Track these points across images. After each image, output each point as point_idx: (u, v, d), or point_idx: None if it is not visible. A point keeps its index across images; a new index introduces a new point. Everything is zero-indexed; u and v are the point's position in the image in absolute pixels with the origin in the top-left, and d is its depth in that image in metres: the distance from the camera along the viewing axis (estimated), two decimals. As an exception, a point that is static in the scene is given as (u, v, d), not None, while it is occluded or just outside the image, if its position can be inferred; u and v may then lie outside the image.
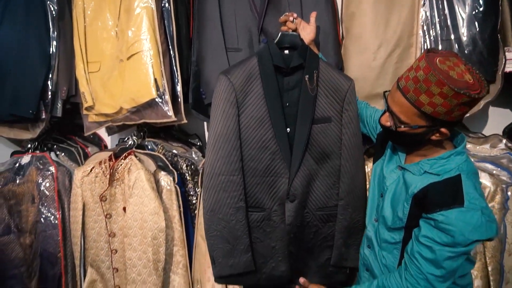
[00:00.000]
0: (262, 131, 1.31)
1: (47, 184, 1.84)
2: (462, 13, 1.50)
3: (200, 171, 1.72)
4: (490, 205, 1.44)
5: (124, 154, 1.69)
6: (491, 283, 1.48)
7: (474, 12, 1.48)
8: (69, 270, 1.85)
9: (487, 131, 1.78)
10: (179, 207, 1.69)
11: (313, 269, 1.40)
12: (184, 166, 1.80)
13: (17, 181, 1.86)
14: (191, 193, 1.79)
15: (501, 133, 1.68)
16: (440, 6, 1.52)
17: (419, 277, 1.05)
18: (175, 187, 1.69)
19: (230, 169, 1.29)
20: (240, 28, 1.57)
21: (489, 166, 1.52)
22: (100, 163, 1.72)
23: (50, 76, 1.78)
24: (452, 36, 1.50)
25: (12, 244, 1.87)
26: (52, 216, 1.83)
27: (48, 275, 1.85)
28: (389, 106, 1.10)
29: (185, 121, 1.69)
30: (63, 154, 1.99)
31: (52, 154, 1.94)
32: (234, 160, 1.29)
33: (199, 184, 1.70)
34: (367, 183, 1.53)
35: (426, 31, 1.53)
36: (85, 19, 1.74)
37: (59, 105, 1.82)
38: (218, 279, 1.38)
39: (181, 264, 1.69)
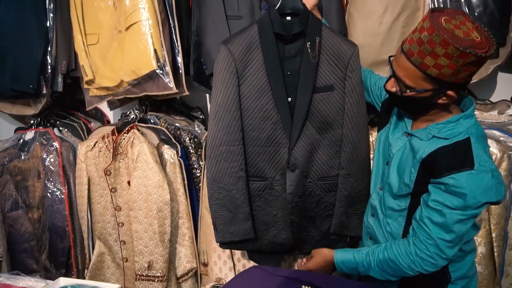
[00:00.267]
0: (263, 101, 1.30)
1: (52, 160, 1.85)
2: (473, -27, 1.44)
3: (204, 144, 1.71)
4: (496, 172, 1.42)
5: (127, 128, 1.68)
6: (495, 249, 1.48)
7: (485, -29, 1.42)
8: (78, 243, 1.89)
9: (495, 98, 1.74)
10: (183, 180, 1.70)
11: (315, 238, 1.41)
12: (187, 139, 1.80)
13: (22, 157, 1.88)
14: (195, 166, 1.79)
15: (509, 99, 1.64)
16: (450, -35, 1.46)
17: (429, 242, 1.04)
18: (179, 160, 1.69)
19: (230, 139, 1.30)
20: (241, -6, 1.53)
21: (496, 132, 1.49)
22: (103, 137, 1.72)
23: (49, 49, 1.76)
24: (462, -3, 1.45)
25: (21, 219, 1.91)
26: (58, 191, 1.86)
27: (57, 248, 1.89)
28: (394, 71, 1.07)
29: (187, 93, 1.67)
30: (66, 129, 2.00)
31: (55, 129, 1.94)
32: (234, 131, 1.30)
33: (203, 157, 1.70)
34: (371, 152, 1.52)
35: (434, -8, 1.48)
36: (81, -12, 1.69)
37: (60, 79, 1.81)
38: (221, 244, 1.42)
39: (187, 236, 1.72)
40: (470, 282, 1.19)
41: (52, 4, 1.73)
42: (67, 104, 2.09)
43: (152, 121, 1.85)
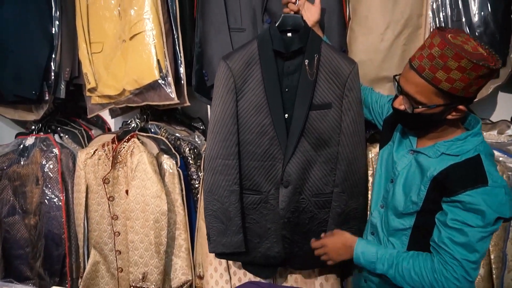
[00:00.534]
0: (260, 117, 1.31)
1: (51, 166, 1.85)
2: (474, -7, 1.45)
3: (203, 155, 1.71)
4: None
5: (127, 137, 1.68)
6: (493, 271, 1.46)
7: (486, -8, 1.44)
8: (73, 251, 1.88)
9: (495, 117, 1.74)
10: (182, 190, 1.70)
11: (308, 253, 1.40)
12: (187, 150, 1.80)
13: (22, 163, 1.87)
14: (194, 177, 1.79)
15: (509, 119, 1.64)
16: (451, -15, 1.48)
17: (454, 263, 1.02)
18: (178, 170, 1.69)
19: (226, 153, 1.33)
20: (244, 7, 1.54)
21: (495, 153, 1.48)
22: (103, 145, 1.72)
23: (53, 56, 1.77)
24: (463, 17, 1.45)
25: (17, 225, 1.90)
26: (56, 198, 1.85)
27: (52, 255, 1.87)
28: (402, 88, 1.07)
29: (188, 103, 1.68)
30: (66, 136, 2.00)
31: (56, 136, 1.95)
32: (230, 145, 1.32)
33: (202, 168, 1.70)
34: (370, 169, 1.51)
35: (435, 12, 1.48)
36: (88, -3, 1.71)
37: (63, 86, 1.81)
38: (215, 254, 1.46)
39: (183, 248, 1.70)
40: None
41: (58, 12, 1.74)
42: (69, 110, 2.09)
43: (152, 130, 1.86)
